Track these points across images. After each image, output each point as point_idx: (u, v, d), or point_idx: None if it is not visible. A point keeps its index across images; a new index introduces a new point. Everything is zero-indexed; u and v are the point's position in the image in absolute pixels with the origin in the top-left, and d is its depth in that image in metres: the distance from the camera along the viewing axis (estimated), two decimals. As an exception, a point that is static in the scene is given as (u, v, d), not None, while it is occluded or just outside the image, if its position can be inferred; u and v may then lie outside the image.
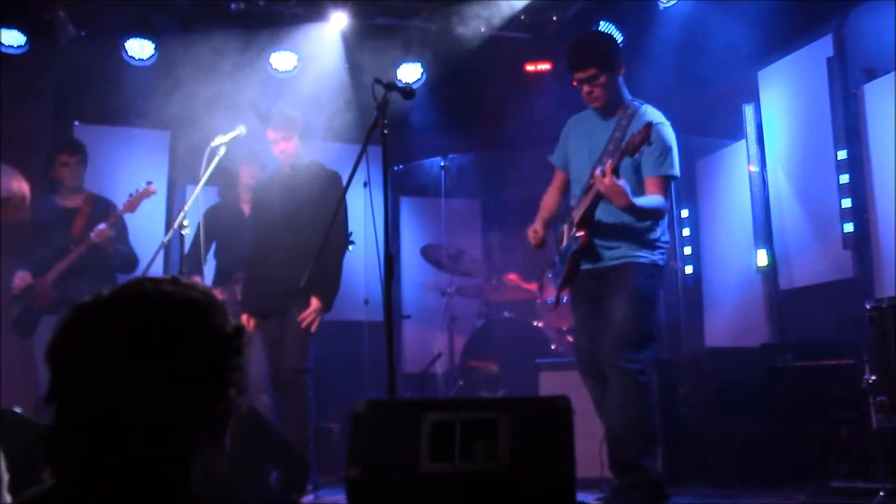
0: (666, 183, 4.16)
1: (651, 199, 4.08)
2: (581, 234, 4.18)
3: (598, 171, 3.94)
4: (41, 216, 5.78)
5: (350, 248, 5.79)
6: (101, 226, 5.54)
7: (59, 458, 1.32)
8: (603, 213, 4.18)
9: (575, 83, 4.26)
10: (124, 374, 1.29)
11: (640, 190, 4.12)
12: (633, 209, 3.97)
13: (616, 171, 3.89)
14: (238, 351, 1.40)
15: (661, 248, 4.22)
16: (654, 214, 4.13)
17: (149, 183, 5.68)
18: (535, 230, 4.45)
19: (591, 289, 4.25)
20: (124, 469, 1.29)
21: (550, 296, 6.65)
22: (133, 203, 5.62)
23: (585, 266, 4.26)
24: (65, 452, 1.31)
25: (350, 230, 5.24)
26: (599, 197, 4.05)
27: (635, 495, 3.93)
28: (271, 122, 5.14)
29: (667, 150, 4.13)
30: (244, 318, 5.12)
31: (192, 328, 1.36)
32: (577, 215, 4.22)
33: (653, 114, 4.22)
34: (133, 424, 1.28)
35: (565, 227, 4.40)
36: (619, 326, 4.04)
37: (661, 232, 4.23)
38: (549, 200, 4.63)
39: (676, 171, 4.17)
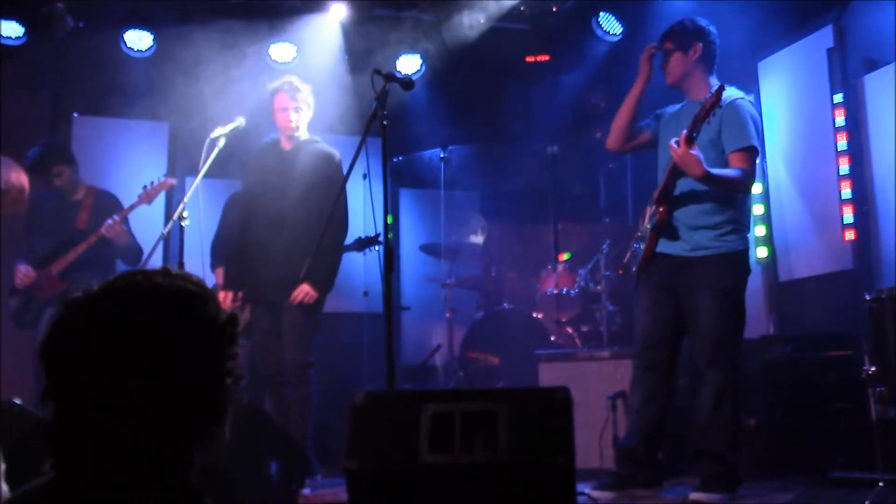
0: (748, 156, 4.22)
1: (728, 170, 4.15)
2: (661, 209, 4.24)
3: (672, 142, 4.01)
4: (41, 209, 5.77)
5: (375, 248, 5.76)
6: (113, 219, 5.51)
7: (59, 453, 1.31)
8: (681, 188, 4.26)
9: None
10: (118, 369, 1.28)
11: (721, 165, 4.19)
12: (709, 178, 4.04)
13: (690, 141, 3.95)
14: (232, 340, 1.40)
15: (739, 231, 4.29)
16: (734, 185, 4.19)
17: (165, 175, 5.69)
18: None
19: (666, 277, 4.32)
20: (124, 462, 1.29)
21: (549, 287, 6.66)
22: (150, 194, 5.59)
23: (662, 249, 4.32)
24: (64, 448, 1.31)
25: (378, 231, 5.18)
26: (677, 170, 4.12)
27: (719, 482, 4.10)
28: (287, 89, 5.03)
29: (745, 123, 4.21)
30: (222, 294, 4.98)
31: (185, 319, 1.35)
32: (656, 193, 4.30)
33: (733, 91, 4.32)
34: (130, 418, 1.28)
35: (647, 209, 4.46)
36: (712, 327, 4.15)
37: (737, 214, 4.29)
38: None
39: (755, 141, 4.23)
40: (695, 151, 3.98)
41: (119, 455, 1.28)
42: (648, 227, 4.37)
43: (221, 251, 5.80)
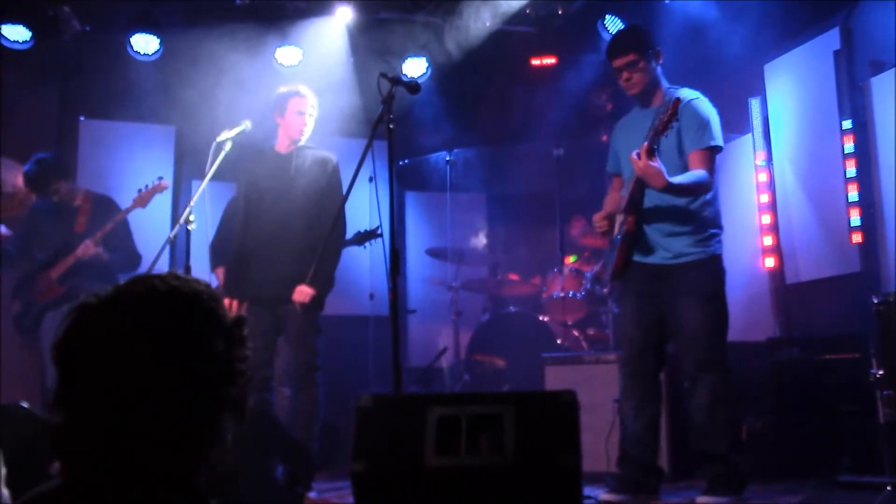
0: (708, 155, 4.19)
1: (689, 175, 4.12)
2: (629, 219, 4.22)
3: (633, 155, 3.97)
4: (39, 216, 5.79)
5: (373, 242, 5.76)
6: (85, 243, 5.53)
7: (71, 457, 1.31)
8: (651, 199, 4.22)
9: (615, 73, 4.39)
10: (137, 372, 1.28)
11: (685, 169, 4.17)
12: (671, 188, 4.02)
13: (651, 153, 3.92)
14: (241, 341, 1.41)
15: (716, 235, 4.27)
16: (697, 189, 4.16)
17: (160, 178, 5.68)
18: (603, 216, 4.44)
19: (647, 284, 4.30)
20: (138, 465, 1.28)
21: (556, 290, 6.66)
22: (144, 198, 5.61)
23: (639, 259, 4.30)
24: (77, 452, 1.31)
25: (378, 223, 5.18)
26: (638, 184, 4.10)
27: (725, 484, 4.08)
28: (305, 94, 5.03)
29: (703, 122, 4.18)
30: (227, 301, 4.89)
31: (201, 321, 1.36)
32: (623, 203, 4.27)
33: (687, 93, 4.29)
34: (147, 420, 1.28)
35: (617, 217, 4.44)
36: (700, 332, 4.12)
37: (710, 215, 4.26)
38: (612, 199, 4.66)
39: (718, 141, 4.21)
40: (656, 164, 3.94)
41: (133, 458, 1.28)
42: (618, 237, 4.33)
43: (221, 252, 5.78)
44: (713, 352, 4.14)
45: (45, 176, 5.69)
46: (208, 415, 1.34)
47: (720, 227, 4.32)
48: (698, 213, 4.22)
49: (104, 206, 5.79)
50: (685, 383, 4.54)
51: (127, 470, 1.28)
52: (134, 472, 1.28)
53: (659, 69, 4.37)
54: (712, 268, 4.24)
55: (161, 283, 1.37)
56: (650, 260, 4.27)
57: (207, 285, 1.42)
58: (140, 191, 5.61)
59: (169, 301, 1.35)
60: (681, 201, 4.18)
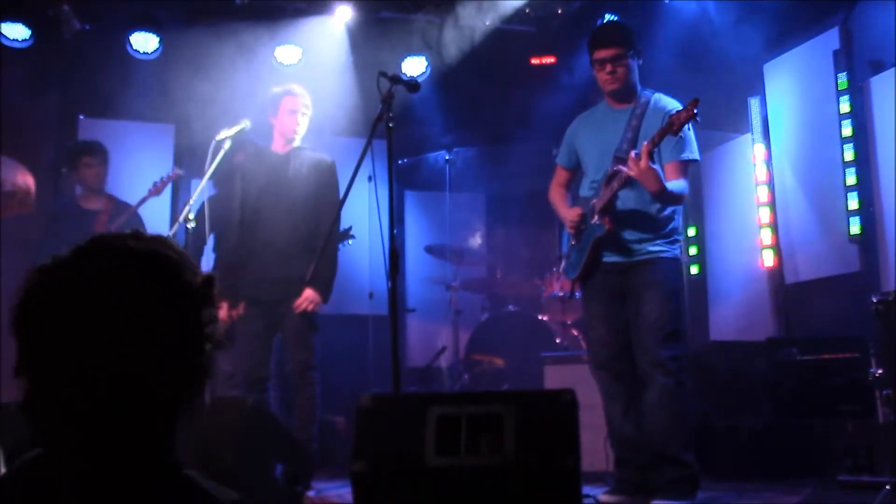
0: (686, 167, 4.20)
1: (677, 185, 4.11)
2: (605, 220, 4.19)
3: (633, 154, 3.94)
4: (60, 216, 5.80)
5: (349, 242, 5.77)
6: None
7: (39, 425, 1.28)
8: (625, 202, 4.20)
9: (596, 65, 4.30)
10: (95, 334, 1.25)
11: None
12: (662, 194, 4.00)
13: (651, 155, 3.91)
14: (210, 302, 1.36)
15: (679, 241, 4.29)
16: (680, 199, 4.18)
17: (174, 167, 5.83)
18: (581, 213, 4.35)
19: (614, 283, 4.27)
20: (104, 433, 1.25)
21: (555, 290, 6.66)
22: (160, 188, 5.83)
23: (608, 259, 4.27)
24: (42, 421, 1.28)
25: (349, 224, 5.17)
26: (625, 185, 4.07)
27: (680, 488, 4.00)
28: (298, 93, 5.02)
29: (686, 134, 4.15)
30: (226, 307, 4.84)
31: (159, 281, 1.32)
32: (599, 203, 4.22)
33: (668, 101, 4.28)
34: (108, 385, 1.24)
35: (592, 218, 4.40)
36: (659, 324, 4.06)
37: (678, 223, 4.29)
38: (562, 195, 4.65)
39: (695, 155, 4.23)
40: (655, 166, 3.94)
41: (97, 425, 1.25)
42: (587, 235, 4.29)
43: (197, 253, 5.75)
44: (670, 347, 4.06)
45: (75, 149, 5.92)
46: (172, 378, 1.30)
47: (681, 235, 4.36)
48: (668, 219, 4.23)
49: (122, 212, 5.84)
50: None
51: (93, 437, 1.25)
52: (100, 440, 1.25)
53: (637, 70, 4.34)
54: (675, 267, 4.26)
55: (116, 241, 1.34)
56: (617, 259, 4.25)
57: (174, 248, 1.37)
58: (155, 183, 5.82)
59: (122, 261, 1.31)
60: (654, 207, 4.18)
